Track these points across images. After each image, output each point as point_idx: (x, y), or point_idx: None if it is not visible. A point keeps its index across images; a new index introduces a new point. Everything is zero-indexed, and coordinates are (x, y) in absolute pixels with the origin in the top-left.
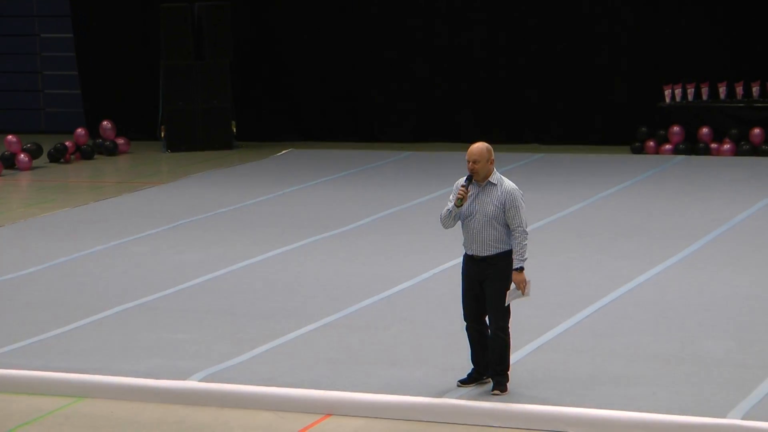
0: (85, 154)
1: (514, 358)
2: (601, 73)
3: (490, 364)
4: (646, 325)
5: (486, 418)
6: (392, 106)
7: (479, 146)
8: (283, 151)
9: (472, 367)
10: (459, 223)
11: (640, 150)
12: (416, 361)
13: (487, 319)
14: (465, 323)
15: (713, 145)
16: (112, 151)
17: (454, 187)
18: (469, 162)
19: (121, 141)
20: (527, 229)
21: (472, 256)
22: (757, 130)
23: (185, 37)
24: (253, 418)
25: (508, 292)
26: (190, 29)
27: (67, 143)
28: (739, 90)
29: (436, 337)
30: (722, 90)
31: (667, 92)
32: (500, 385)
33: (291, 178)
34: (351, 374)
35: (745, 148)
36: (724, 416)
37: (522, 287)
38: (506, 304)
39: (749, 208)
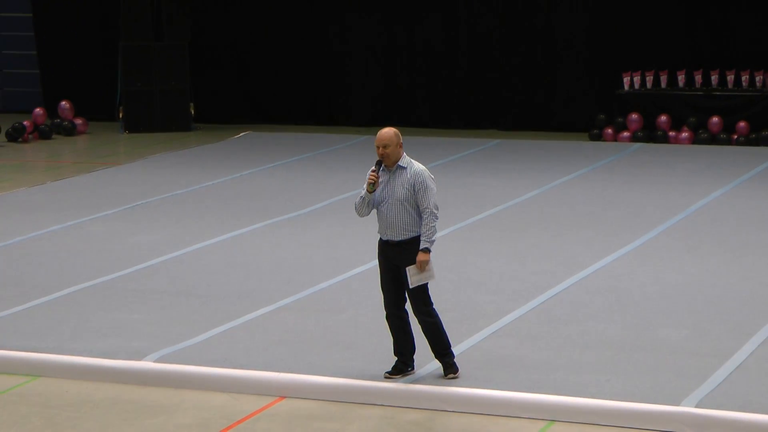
0: (43, 133)
1: (469, 343)
2: (560, 60)
3: (434, 353)
4: (601, 312)
5: (439, 403)
6: (350, 89)
7: (388, 131)
8: (241, 134)
9: (396, 358)
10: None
11: (598, 137)
12: (371, 344)
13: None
14: (386, 312)
15: (671, 133)
16: (70, 131)
17: (367, 175)
18: (378, 148)
19: (79, 121)
20: (436, 211)
21: (387, 241)
22: (715, 119)
23: (144, 18)
24: (208, 399)
25: (409, 274)
26: (149, 10)
27: (25, 123)
28: (698, 78)
29: None
30: (681, 78)
31: (626, 79)
32: (450, 367)
33: (248, 161)
34: (305, 357)
35: (703, 136)
36: (678, 404)
37: (425, 268)
38: (411, 287)
39: (706, 196)
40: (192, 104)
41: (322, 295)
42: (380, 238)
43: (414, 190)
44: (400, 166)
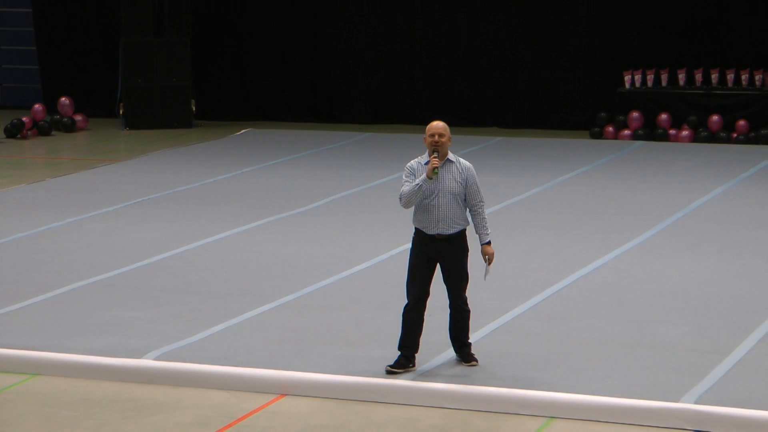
0: (42, 130)
1: (470, 340)
2: (562, 58)
3: (457, 338)
4: (601, 309)
5: (440, 400)
6: (352, 87)
7: (440, 123)
8: (242, 131)
9: (399, 353)
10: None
11: (599, 135)
12: (371, 341)
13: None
14: (408, 306)
15: (672, 131)
16: (70, 127)
17: (407, 169)
18: (433, 136)
19: (79, 118)
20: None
21: (434, 236)
22: (715, 117)
23: (145, 14)
24: (207, 397)
25: (487, 269)
26: (150, 6)
27: (24, 119)
28: (698, 77)
29: (392, 318)
30: (681, 77)
31: (627, 78)
32: (471, 355)
33: (249, 158)
34: (306, 354)
35: (703, 134)
36: (677, 401)
37: (492, 260)
38: (486, 280)
39: (706, 194)
40: (193, 101)
41: (323, 292)
42: (421, 233)
43: (467, 185)
44: (449, 159)
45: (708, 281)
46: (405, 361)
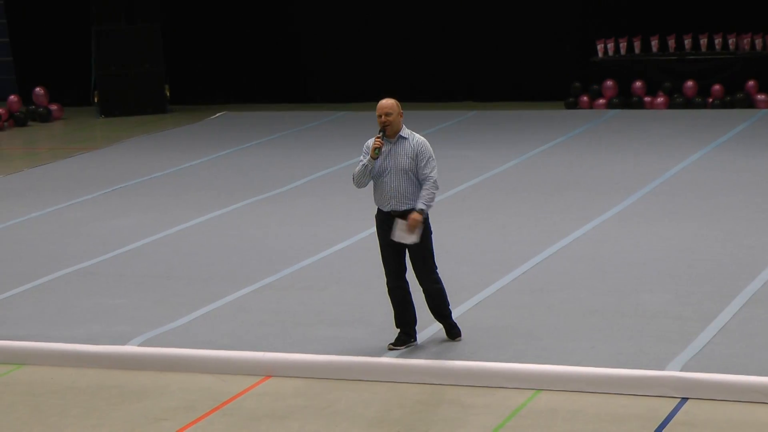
0: (18, 121)
1: (452, 315)
2: (534, 29)
3: (437, 312)
4: (583, 279)
5: (424, 376)
6: (324, 66)
7: (389, 100)
8: (217, 114)
9: (398, 329)
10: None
11: (574, 105)
12: (354, 320)
13: (406, 276)
14: (388, 284)
15: (647, 99)
16: (46, 117)
17: (363, 148)
18: (380, 116)
19: (54, 107)
20: (437, 183)
21: (389, 212)
22: (689, 83)
23: (115, 2)
24: (193, 381)
25: (397, 227)
26: None
27: None
28: (672, 43)
29: (374, 297)
30: (655, 43)
31: (600, 47)
32: (454, 328)
33: (225, 141)
34: (289, 335)
35: (678, 100)
36: (663, 368)
37: (413, 229)
38: (393, 239)
39: (683, 161)
40: (167, 86)
41: (304, 272)
42: (380, 210)
43: (417, 160)
44: (401, 136)
45: (688, 248)
46: (405, 338)
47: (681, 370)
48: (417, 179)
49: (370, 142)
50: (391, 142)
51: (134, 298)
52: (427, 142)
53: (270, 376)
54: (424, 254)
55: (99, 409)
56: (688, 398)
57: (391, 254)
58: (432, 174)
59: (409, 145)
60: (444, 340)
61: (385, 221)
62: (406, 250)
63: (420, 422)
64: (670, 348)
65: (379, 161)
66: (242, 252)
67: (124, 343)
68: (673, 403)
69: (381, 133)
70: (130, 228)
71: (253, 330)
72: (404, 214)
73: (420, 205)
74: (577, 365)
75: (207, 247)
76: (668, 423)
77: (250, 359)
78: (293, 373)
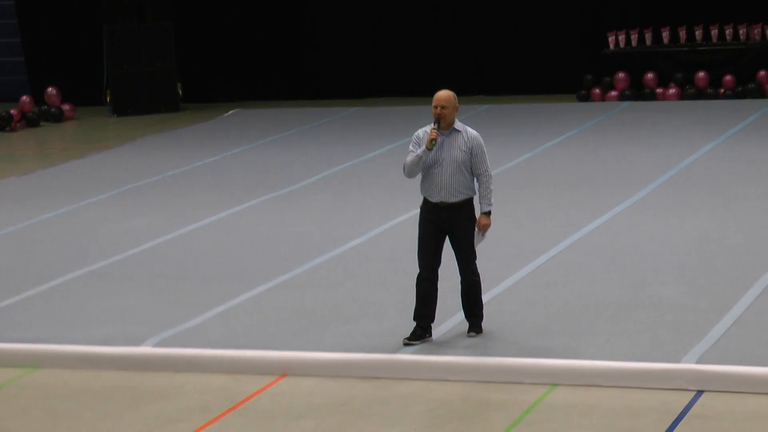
0: (30, 121)
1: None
2: (545, 22)
3: (470, 309)
4: (597, 273)
5: (441, 373)
6: (337, 62)
7: (446, 92)
8: (230, 112)
9: (415, 323)
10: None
11: (586, 98)
12: (369, 317)
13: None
14: (420, 276)
15: (658, 90)
16: (58, 117)
17: (414, 138)
18: (436, 108)
19: (66, 107)
20: (491, 174)
21: (438, 203)
22: (701, 74)
23: (127, 0)
24: (208, 381)
25: (477, 236)
26: None
27: (12, 111)
28: (683, 34)
29: (389, 294)
30: (666, 35)
31: (611, 39)
32: (476, 326)
33: (238, 139)
34: (304, 333)
35: (690, 91)
36: (678, 361)
37: (485, 230)
38: (476, 247)
39: (696, 151)
40: (179, 84)
41: (319, 270)
42: (427, 201)
43: (472, 154)
44: (455, 129)
45: (703, 239)
46: (421, 332)
47: (696, 363)
48: (467, 172)
49: (421, 132)
50: (444, 134)
51: (148, 298)
52: (480, 136)
53: (285, 375)
54: (466, 245)
55: (114, 411)
56: (704, 391)
57: (430, 246)
58: (487, 168)
59: (463, 138)
60: (459, 336)
61: (432, 212)
62: (445, 244)
63: (437, 419)
64: (685, 340)
65: (432, 152)
66: (256, 250)
67: (138, 345)
68: (689, 396)
69: (436, 125)
70: (143, 228)
71: (267, 328)
72: (452, 207)
73: (486, 207)
74: (592, 359)
75: (220, 245)
76: (684, 416)
77: (264, 358)
78: (309, 372)
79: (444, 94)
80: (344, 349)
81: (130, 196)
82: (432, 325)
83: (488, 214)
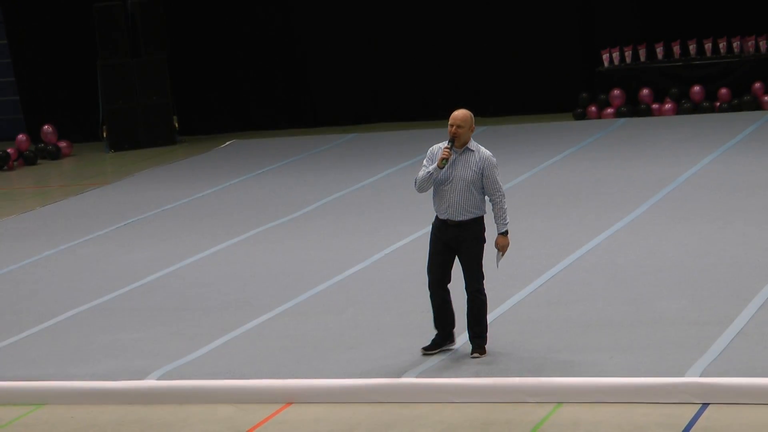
0: (28, 160)
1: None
2: (539, 42)
3: (473, 329)
4: (599, 290)
5: (447, 395)
6: (332, 91)
7: (463, 112)
8: (227, 143)
9: (436, 332)
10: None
11: (582, 116)
12: (373, 342)
13: (449, 285)
14: (430, 291)
15: (654, 106)
16: (55, 155)
17: (428, 153)
18: (452, 126)
19: (63, 144)
20: (504, 193)
21: (446, 221)
22: (696, 88)
23: (120, 35)
24: (214, 412)
25: (497, 257)
26: (125, 27)
27: (9, 150)
28: (677, 49)
29: (391, 318)
30: (659, 50)
31: (605, 56)
32: (479, 347)
33: (236, 169)
34: (308, 361)
35: (686, 106)
36: (683, 375)
37: (504, 251)
38: (498, 267)
39: (694, 166)
40: (175, 117)
41: (321, 297)
42: (436, 217)
43: (482, 174)
44: (468, 148)
45: (703, 252)
46: (441, 340)
47: (701, 376)
48: (477, 191)
49: (435, 148)
50: (457, 152)
51: (151, 331)
52: (493, 157)
53: (291, 403)
54: (471, 264)
55: None
56: (708, 404)
57: (439, 263)
58: (500, 188)
59: (475, 158)
60: (463, 357)
61: (440, 229)
62: (454, 261)
63: None
64: (688, 354)
65: (444, 170)
66: (257, 280)
67: (142, 378)
68: (694, 410)
69: (450, 144)
70: (144, 261)
71: (271, 357)
72: (459, 225)
73: (502, 228)
74: (597, 376)
75: (222, 276)
76: (690, 429)
77: (270, 387)
78: (314, 399)
79: (461, 114)
80: (349, 375)
81: (129, 231)
82: (454, 332)
83: (505, 234)
